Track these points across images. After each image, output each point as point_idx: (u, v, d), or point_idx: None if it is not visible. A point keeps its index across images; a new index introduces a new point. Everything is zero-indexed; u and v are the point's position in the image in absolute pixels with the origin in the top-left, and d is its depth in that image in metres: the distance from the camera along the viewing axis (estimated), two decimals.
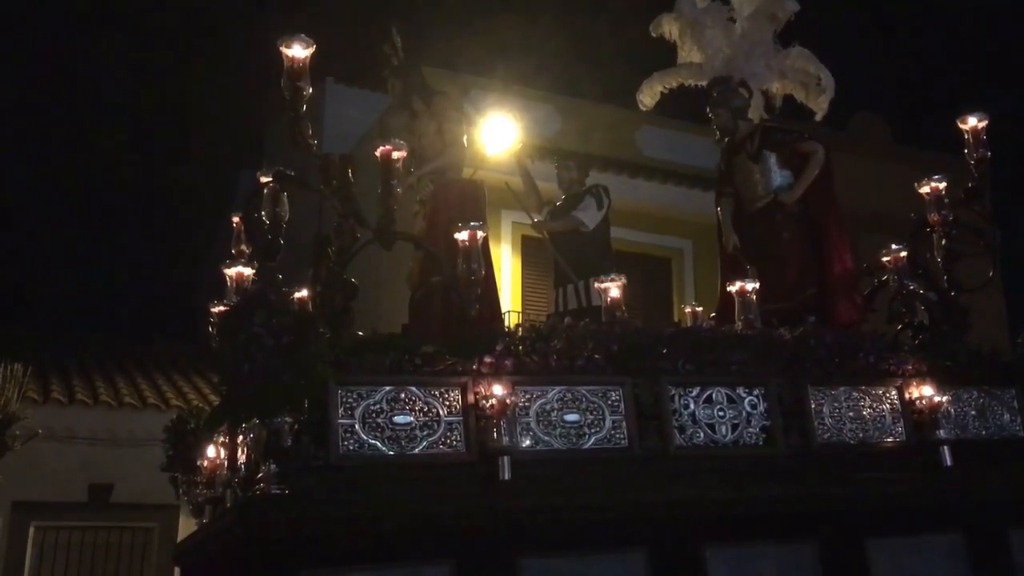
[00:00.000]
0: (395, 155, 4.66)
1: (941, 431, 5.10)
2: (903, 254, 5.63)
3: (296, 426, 3.86)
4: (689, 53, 6.72)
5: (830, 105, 6.72)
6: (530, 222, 7.19)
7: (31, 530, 9.82)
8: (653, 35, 6.72)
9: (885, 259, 5.65)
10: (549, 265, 7.25)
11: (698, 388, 4.85)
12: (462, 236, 4.62)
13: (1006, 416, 5.49)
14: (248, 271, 5.01)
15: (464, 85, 10.08)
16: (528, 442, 4.43)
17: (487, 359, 4.42)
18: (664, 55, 6.98)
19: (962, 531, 4.93)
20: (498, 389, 4.28)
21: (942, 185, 5.74)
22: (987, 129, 5.99)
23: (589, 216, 6.89)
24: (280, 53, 4.65)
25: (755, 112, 6.82)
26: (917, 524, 4.87)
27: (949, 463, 5.04)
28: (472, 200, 5.81)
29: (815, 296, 6.09)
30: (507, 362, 4.46)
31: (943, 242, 5.72)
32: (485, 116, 7.50)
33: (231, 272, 5.09)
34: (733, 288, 5.43)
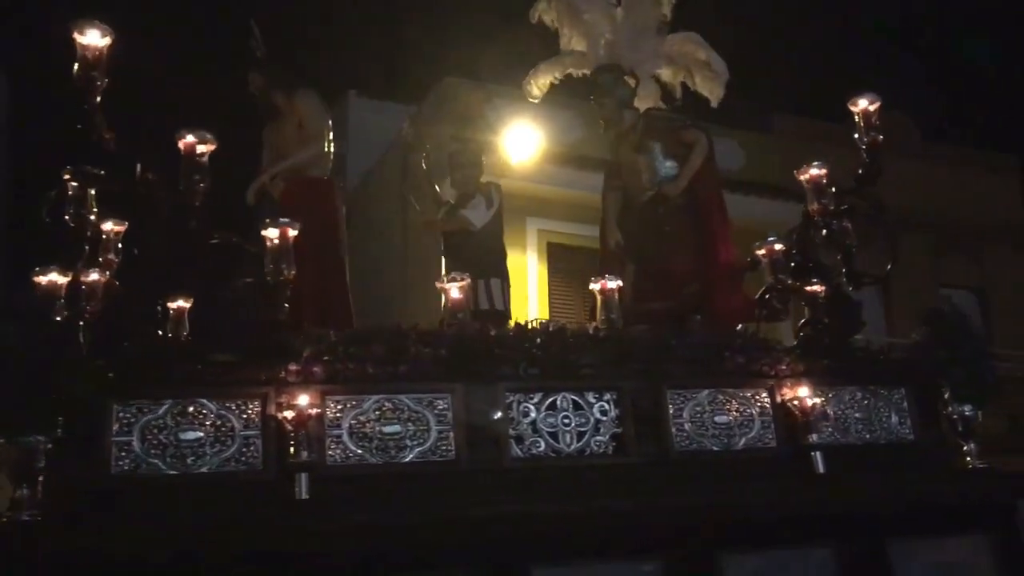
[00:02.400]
0: (199, 148, 4.31)
1: (813, 436, 4.71)
2: (778, 246, 5.24)
3: (51, 445, 3.50)
4: (570, 40, 6.37)
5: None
6: (425, 220, 6.88)
7: None
8: (533, 22, 6.35)
9: (759, 252, 5.26)
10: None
11: (540, 394, 4.48)
12: (270, 233, 4.25)
13: (894, 418, 5.09)
14: (62, 279, 4.65)
15: (487, 94, 9.74)
16: (338, 457, 4.06)
17: (292, 367, 4.05)
18: None
19: (834, 544, 4.54)
20: (301, 399, 3.92)
21: (822, 172, 5.36)
22: (879, 112, 5.61)
23: (477, 215, 6.54)
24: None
25: (650, 101, 6.47)
26: (783, 537, 4.49)
27: (822, 470, 4.65)
28: (322, 199, 5.45)
29: (701, 293, 5.71)
30: (315, 369, 4.09)
31: (823, 233, 5.33)
32: (508, 125, 7.17)
33: (43, 280, 4.72)
34: (594, 286, 5.06)
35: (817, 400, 4.76)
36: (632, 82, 6.21)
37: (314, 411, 3.94)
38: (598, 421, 4.54)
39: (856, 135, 5.61)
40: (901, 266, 12.59)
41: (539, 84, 6.56)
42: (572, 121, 10.63)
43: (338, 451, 4.06)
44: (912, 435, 5.08)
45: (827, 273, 5.36)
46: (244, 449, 3.92)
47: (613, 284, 5.04)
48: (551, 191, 9.65)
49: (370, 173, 11.88)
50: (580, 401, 4.54)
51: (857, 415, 5.02)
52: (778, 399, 4.82)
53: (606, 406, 4.56)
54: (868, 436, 5.01)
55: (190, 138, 4.31)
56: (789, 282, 5.18)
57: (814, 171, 5.38)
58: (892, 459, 4.97)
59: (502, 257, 6.60)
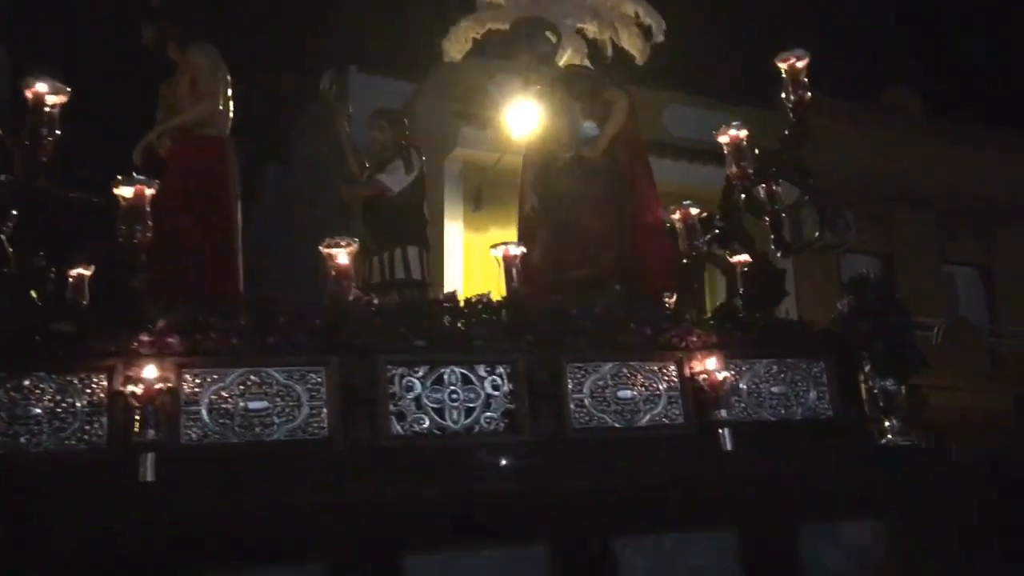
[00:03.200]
0: (49, 99, 3.94)
1: (722, 411, 4.44)
2: (693, 211, 4.92)
3: None
4: None
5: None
6: (344, 186, 6.52)
7: None
8: None
9: (673, 216, 4.95)
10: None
11: (426, 367, 4.17)
12: (124, 192, 3.90)
13: (812, 394, 4.82)
14: None
15: (489, 70, 9.32)
16: (195, 435, 3.75)
17: (144, 337, 3.72)
18: None
19: (739, 527, 4.29)
20: (148, 372, 3.60)
21: (742, 134, 5.05)
22: (807, 69, 5.30)
23: (395, 180, 6.18)
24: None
25: (577, 59, 6.12)
26: (684, 520, 4.22)
27: (730, 447, 4.39)
28: (211, 159, 5.09)
29: (622, 261, 5.39)
30: (170, 340, 3.76)
31: (743, 197, 5.02)
32: (510, 100, 6.78)
33: None
34: (495, 252, 4.73)
35: (727, 374, 4.49)
36: (553, 37, 5.84)
37: (165, 385, 3.62)
38: (489, 396, 4.24)
39: (783, 94, 5.30)
40: (906, 243, 12.58)
41: (458, 42, 6.19)
42: None
43: (195, 430, 3.75)
44: (831, 411, 4.81)
45: (749, 241, 5.07)
46: (87, 427, 3.60)
47: (515, 251, 4.72)
48: None
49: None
50: (470, 375, 4.23)
51: (773, 390, 4.75)
52: (687, 373, 4.54)
53: (499, 380, 4.26)
54: (784, 412, 4.74)
55: (39, 87, 3.94)
56: (705, 250, 4.88)
57: (733, 132, 5.07)
58: (809, 436, 4.71)
59: (422, 224, 6.26)
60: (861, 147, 12.20)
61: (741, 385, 4.67)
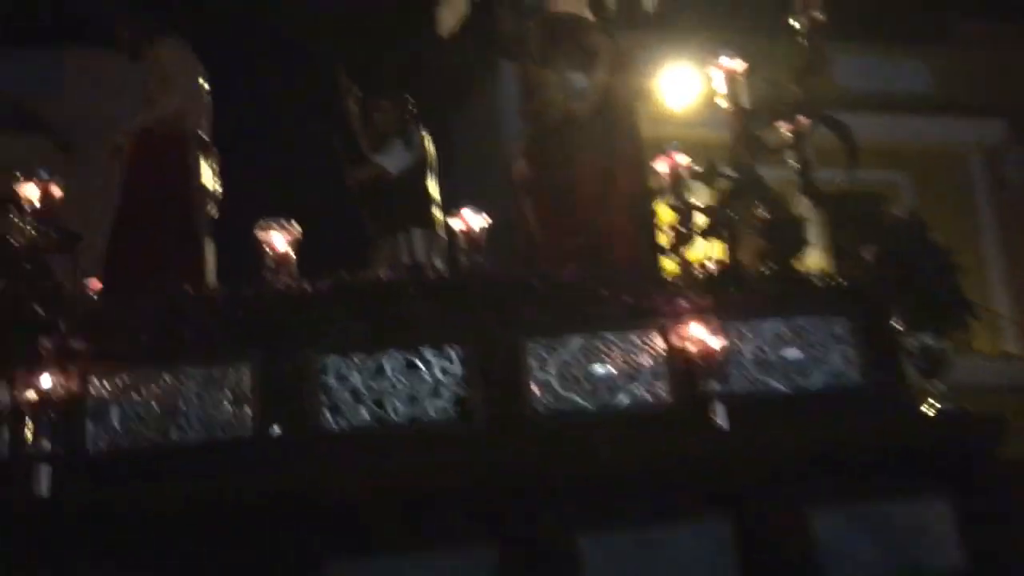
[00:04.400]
0: None
1: (714, 383, 3.85)
2: (681, 159, 4.32)
3: None
4: None
5: None
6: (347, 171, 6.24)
7: None
8: None
9: (658, 166, 4.36)
10: None
11: (364, 354, 3.78)
12: (28, 192, 3.71)
13: (834, 356, 4.13)
14: None
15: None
16: (103, 444, 3.49)
17: (46, 343, 3.50)
18: None
19: (733, 513, 3.68)
20: (42, 380, 3.37)
21: (737, 65, 4.41)
22: None
23: (393, 160, 5.83)
24: None
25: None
26: (669, 510, 3.66)
27: (725, 426, 3.79)
28: (170, 156, 4.89)
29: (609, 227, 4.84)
30: (73, 345, 3.52)
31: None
32: (663, 67, 6.43)
33: None
34: (456, 223, 4.30)
35: (720, 341, 3.89)
36: None
37: (64, 393, 3.38)
38: (438, 383, 3.81)
39: (791, 20, 4.64)
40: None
41: (453, 9, 5.75)
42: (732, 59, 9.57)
43: (103, 439, 3.50)
44: (859, 375, 4.11)
45: (765, 190, 4.43)
46: None
47: (476, 220, 4.28)
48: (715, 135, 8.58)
49: None
50: (416, 360, 3.82)
51: (784, 354, 4.10)
52: (675, 343, 3.96)
53: (448, 364, 3.83)
54: (799, 380, 4.08)
55: None
56: (692, 203, 4.27)
57: (727, 63, 4.45)
58: (832, 405, 4.03)
59: (426, 204, 5.89)
60: None
61: (744, 352, 4.06)
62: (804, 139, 4.72)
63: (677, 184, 4.27)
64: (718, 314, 3.99)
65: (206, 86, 5.32)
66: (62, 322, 3.54)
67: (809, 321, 4.15)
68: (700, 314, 3.99)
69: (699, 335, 3.91)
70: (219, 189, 5.23)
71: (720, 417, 3.79)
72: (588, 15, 5.51)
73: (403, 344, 3.80)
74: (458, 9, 5.81)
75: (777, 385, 4.05)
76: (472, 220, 4.25)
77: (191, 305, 3.68)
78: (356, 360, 3.76)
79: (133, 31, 5.29)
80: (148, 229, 4.67)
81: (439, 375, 3.81)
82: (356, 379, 3.75)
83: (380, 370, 3.78)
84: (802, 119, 4.71)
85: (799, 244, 4.48)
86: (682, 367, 3.92)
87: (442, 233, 5.91)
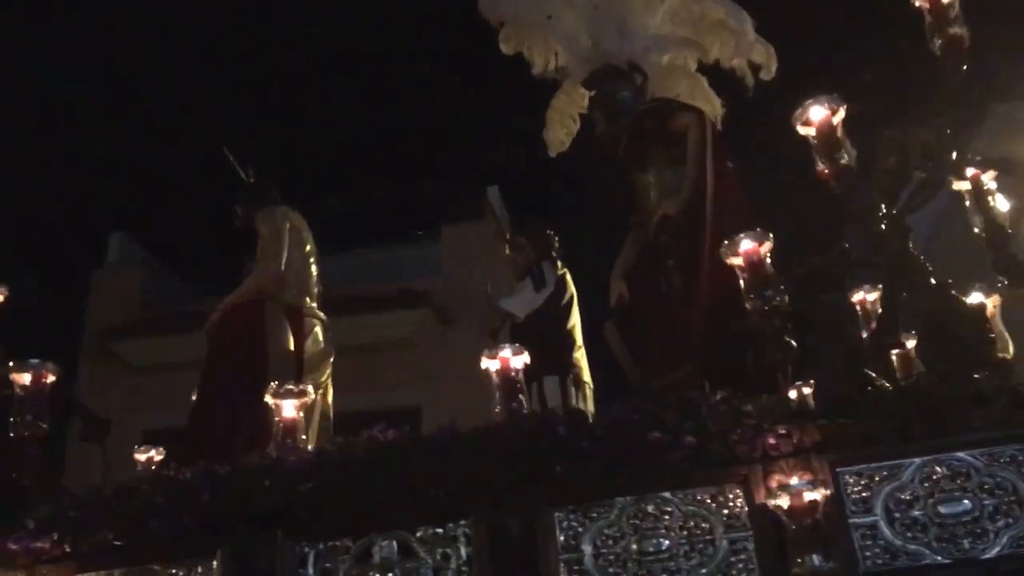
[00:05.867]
0: None
1: (815, 559, 2.60)
2: (764, 246, 3.18)
3: None
4: (545, 62, 4.86)
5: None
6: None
7: None
8: (507, 54, 4.94)
9: (730, 258, 3.22)
10: None
11: (346, 540, 3.03)
12: (21, 377, 3.50)
13: None
14: None
15: None
16: None
17: (10, 544, 3.16)
18: None
19: None
20: None
21: (837, 115, 3.25)
22: None
23: (518, 303, 5.23)
24: None
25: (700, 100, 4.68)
26: None
27: None
28: (246, 323, 4.62)
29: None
30: (38, 545, 3.14)
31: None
32: None
33: None
34: (490, 363, 3.48)
35: (821, 491, 2.67)
36: (638, 78, 4.52)
37: None
38: (437, 571, 2.94)
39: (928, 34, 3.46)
40: None
41: (555, 138, 5.10)
42: None
43: None
44: None
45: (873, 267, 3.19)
46: None
47: (517, 360, 3.43)
48: None
49: None
50: (410, 543, 2.99)
51: (941, 509, 2.73)
52: (762, 498, 2.79)
53: (450, 549, 2.96)
54: (968, 547, 2.68)
55: None
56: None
57: (821, 112, 3.31)
58: None
59: (560, 349, 5.11)
60: None
61: (874, 508, 2.76)
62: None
63: (757, 279, 3.13)
64: (827, 451, 2.77)
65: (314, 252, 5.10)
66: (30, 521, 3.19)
67: (981, 453, 2.76)
68: (801, 454, 2.80)
69: (794, 483, 2.72)
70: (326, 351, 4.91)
71: None
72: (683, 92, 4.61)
73: (391, 527, 3.00)
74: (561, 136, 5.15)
75: (935, 555, 2.68)
76: (514, 360, 3.40)
77: (161, 489, 3.18)
78: (339, 548, 3.02)
79: (245, 209, 5.22)
80: (219, 397, 4.41)
81: (440, 561, 2.95)
82: (341, 572, 3.00)
83: (367, 557, 3.00)
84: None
85: (977, 347, 3.10)
86: (775, 534, 2.72)
87: (586, 378, 5.13)
